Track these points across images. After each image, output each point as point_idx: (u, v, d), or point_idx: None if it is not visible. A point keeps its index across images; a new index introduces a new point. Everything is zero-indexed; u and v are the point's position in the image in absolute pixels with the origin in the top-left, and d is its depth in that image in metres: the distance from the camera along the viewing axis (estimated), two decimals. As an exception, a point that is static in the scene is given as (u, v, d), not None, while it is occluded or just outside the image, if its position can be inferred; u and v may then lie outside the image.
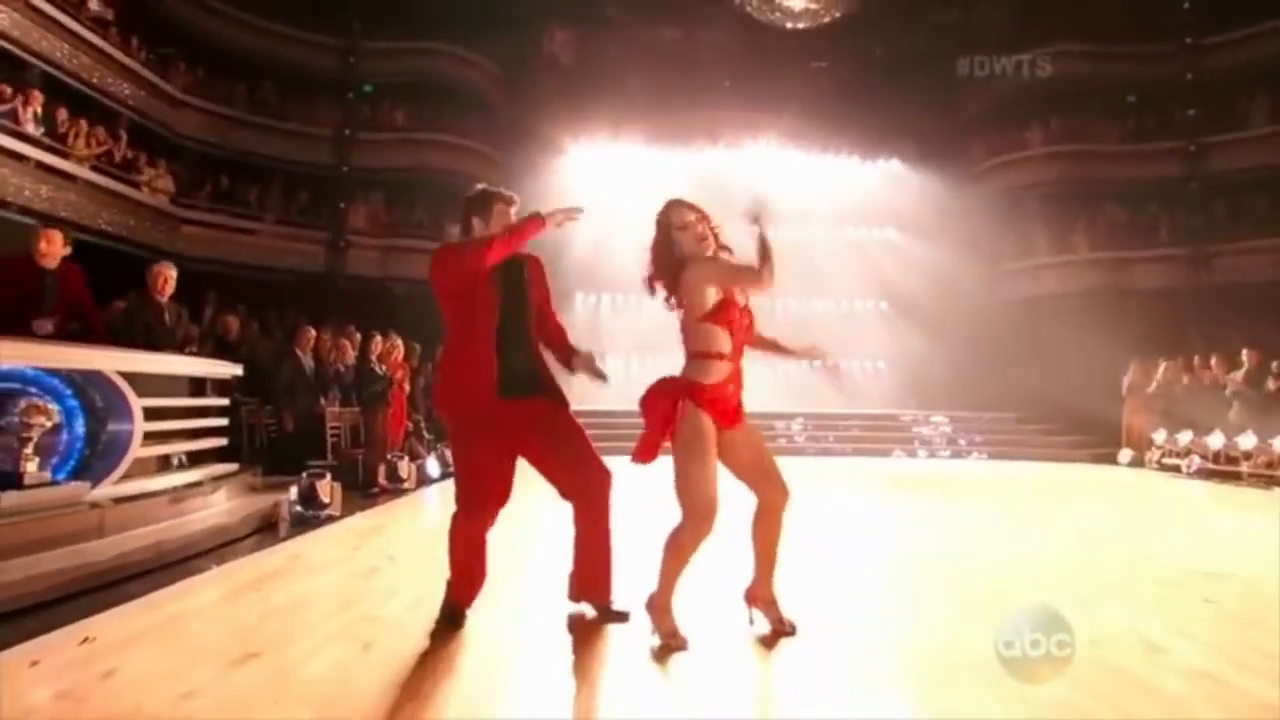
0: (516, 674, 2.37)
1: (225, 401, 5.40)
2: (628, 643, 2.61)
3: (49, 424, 3.65)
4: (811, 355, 2.95)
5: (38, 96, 9.39)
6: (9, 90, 9.10)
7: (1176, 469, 9.43)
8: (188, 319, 5.64)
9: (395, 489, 6.49)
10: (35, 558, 3.13)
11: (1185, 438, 9.44)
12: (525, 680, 2.32)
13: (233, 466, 5.26)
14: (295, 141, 13.66)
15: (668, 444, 2.60)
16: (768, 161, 14.74)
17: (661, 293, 2.69)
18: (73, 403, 3.93)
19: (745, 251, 2.63)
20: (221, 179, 12.99)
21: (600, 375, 2.86)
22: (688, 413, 2.51)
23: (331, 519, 4.93)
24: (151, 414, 4.21)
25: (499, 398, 2.67)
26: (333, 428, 7.09)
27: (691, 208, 2.68)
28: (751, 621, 2.68)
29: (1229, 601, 3.37)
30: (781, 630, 2.68)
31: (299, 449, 6.58)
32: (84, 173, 10.07)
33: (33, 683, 2.17)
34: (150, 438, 4.23)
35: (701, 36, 14.93)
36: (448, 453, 7.80)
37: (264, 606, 3.02)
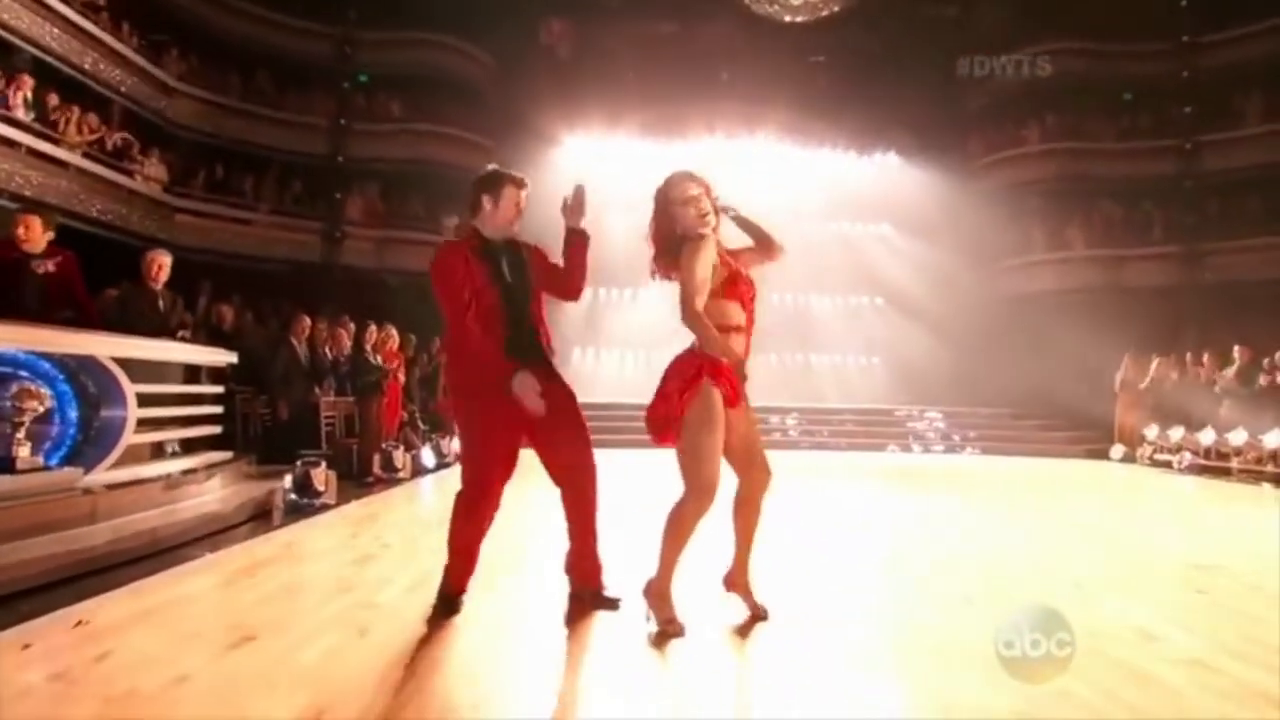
0: (513, 660, 2.36)
1: (220, 389, 5.37)
2: (623, 629, 2.61)
3: (41, 409, 3.61)
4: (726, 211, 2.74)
5: (27, 81, 9.28)
6: (-2, 74, 9.01)
7: (1168, 465, 9.50)
8: (182, 306, 5.60)
9: (390, 479, 6.47)
10: (27, 543, 3.10)
11: (1177, 434, 9.51)
12: (522, 666, 2.31)
13: (227, 454, 5.23)
14: (290, 131, 13.55)
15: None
16: (764, 155, 14.72)
17: (659, 274, 2.68)
18: (65, 388, 3.89)
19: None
20: (216, 168, 12.89)
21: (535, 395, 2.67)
22: (704, 388, 2.49)
23: (326, 507, 4.92)
24: (145, 400, 4.17)
25: (506, 360, 2.64)
26: (327, 417, 7.06)
27: (694, 179, 2.64)
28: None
29: (1221, 593, 3.40)
30: (758, 616, 2.68)
31: (293, 438, 6.56)
32: (76, 159, 9.97)
33: (26, 665, 2.15)
34: (144, 424, 4.20)
35: (699, 29, 14.87)
36: (443, 443, 7.79)
37: (258, 592, 3.01)
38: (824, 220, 14.72)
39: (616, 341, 14.80)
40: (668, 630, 2.52)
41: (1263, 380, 9.05)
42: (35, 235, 4.39)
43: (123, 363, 4.06)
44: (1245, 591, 3.45)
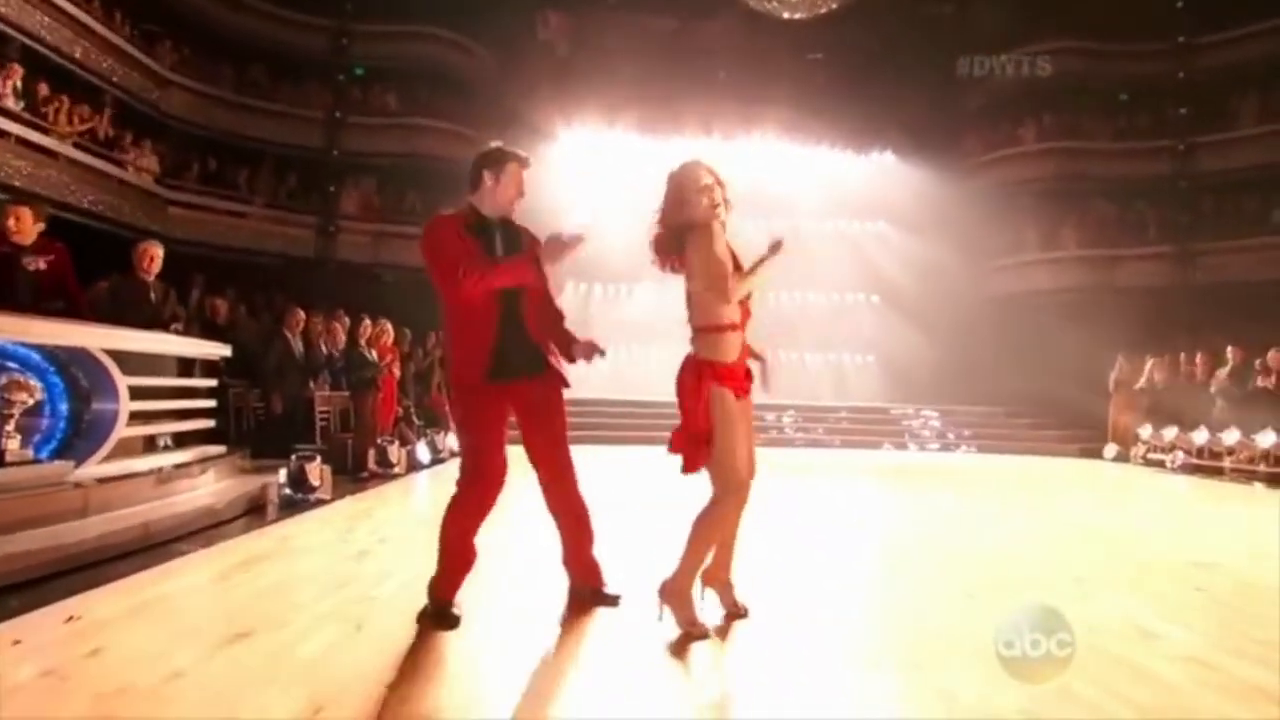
0: (512, 656, 2.34)
1: (213, 383, 5.31)
2: (622, 628, 2.59)
3: (31, 401, 3.57)
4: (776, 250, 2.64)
5: (17, 70, 9.16)
6: (-12, 62, 8.89)
7: (1161, 464, 9.55)
8: (175, 298, 5.54)
9: (385, 474, 6.43)
10: (17, 537, 3.05)
11: (1170, 433, 9.56)
12: (521, 663, 2.29)
13: (220, 448, 5.19)
14: (285, 124, 13.44)
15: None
16: (761, 153, 14.71)
17: (659, 264, 2.63)
18: (56, 380, 3.84)
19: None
20: (209, 160, 12.77)
21: (599, 352, 2.79)
22: (714, 394, 2.47)
23: (321, 502, 4.87)
24: (138, 393, 4.13)
25: (490, 381, 2.60)
26: (322, 412, 7.01)
27: (710, 171, 2.62)
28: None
29: (1218, 590, 3.41)
30: (736, 614, 2.66)
31: (287, 433, 6.50)
32: (66, 150, 9.85)
33: (16, 661, 2.11)
34: (136, 418, 4.15)
35: (697, 25, 14.83)
36: (438, 439, 7.75)
37: (253, 587, 2.97)
38: (820, 218, 14.73)
39: (611, 337, 14.73)
40: (692, 632, 2.46)
41: (1257, 380, 9.10)
42: (26, 227, 4.32)
43: (115, 355, 4.01)
44: (1242, 589, 3.46)
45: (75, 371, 3.94)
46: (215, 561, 3.40)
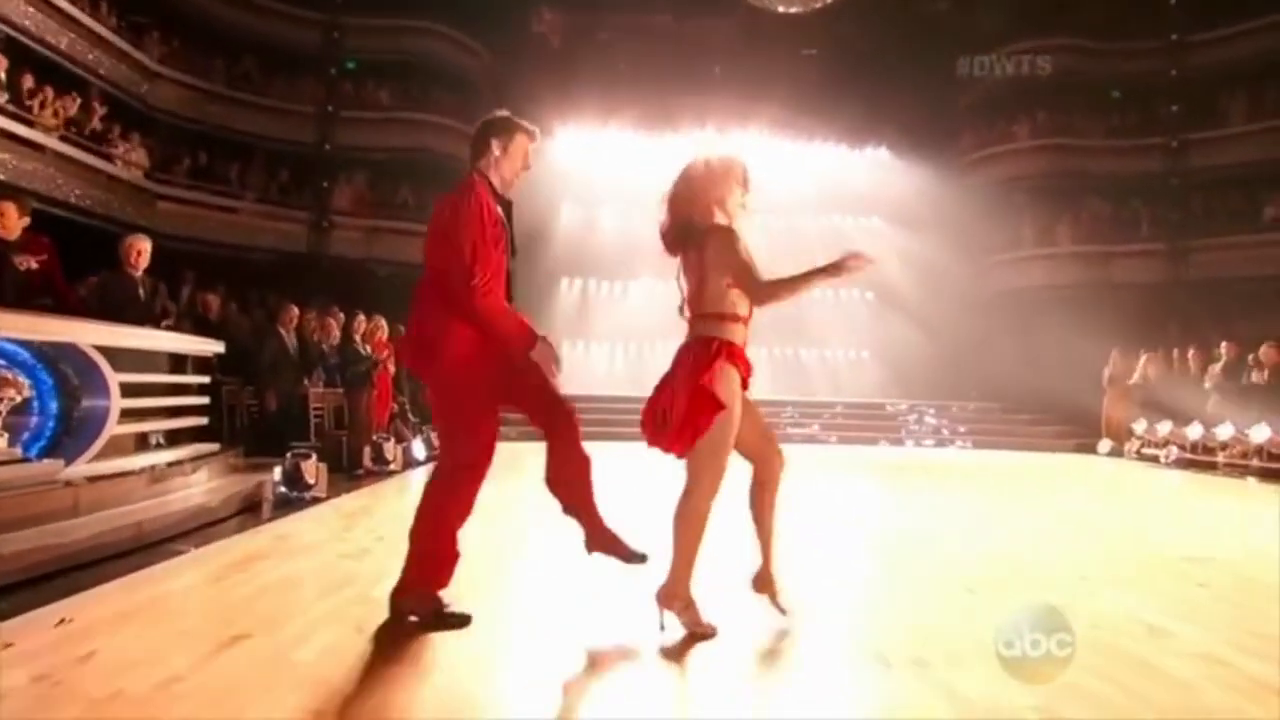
0: (516, 657, 2.30)
1: (206, 379, 5.24)
2: (625, 627, 2.55)
3: (19, 398, 3.50)
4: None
5: (1, 61, 9.00)
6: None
7: (1155, 459, 9.60)
8: (165, 293, 5.46)
9: (381, 471, 6.38)
10: (6, 537, 2.98)
11: (1165, 428, 9.60)
12: (525, 664, 2.25)
13: (214, 446, 5.12)
14: (276, 118, 13.30)
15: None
16: (756, 149, 14.67)
17: (670, 251, 2.57)
18: (45, 377, 3.76)
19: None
20: (200, 155, 12.63)
21: (555, 364, 2.54)
22: (723, 370, 2.41)
23: (317, 500, 4.82)
24: (129, 390, 4.05)
25: (527, 326, 2.51)
26: (316, 409, 6.94)
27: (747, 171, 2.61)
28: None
29: (1221, 586, 3.41)
30: (782, 612, 2.62)
31: (281, 430, 6.44)
32: (52, 143, 9.71)
33: (6, 666, 2.05)
34: (128, 415, 4.08)
35: (693, 21, 14.77)
36: (434, 435, 7.69)
37: (250, 588, 2.92)
38: (814, 214, 14.72)
39: (607, 334, 14.73)
40: (699, 632, 2.41)
41: (1249, 375, 9.15)
42: (11, 222, 4.24)
43: (105, 351, 3.94)
44: (1243, 585, 3.46)
45: (65, 368, 3.86)
46: (210, 562, 3.34)
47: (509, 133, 2.59)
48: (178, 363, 4.93)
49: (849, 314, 15.26)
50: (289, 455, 4.92)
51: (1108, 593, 3.21)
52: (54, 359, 3.82)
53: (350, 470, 6.31)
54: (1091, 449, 10.90)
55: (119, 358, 4.02)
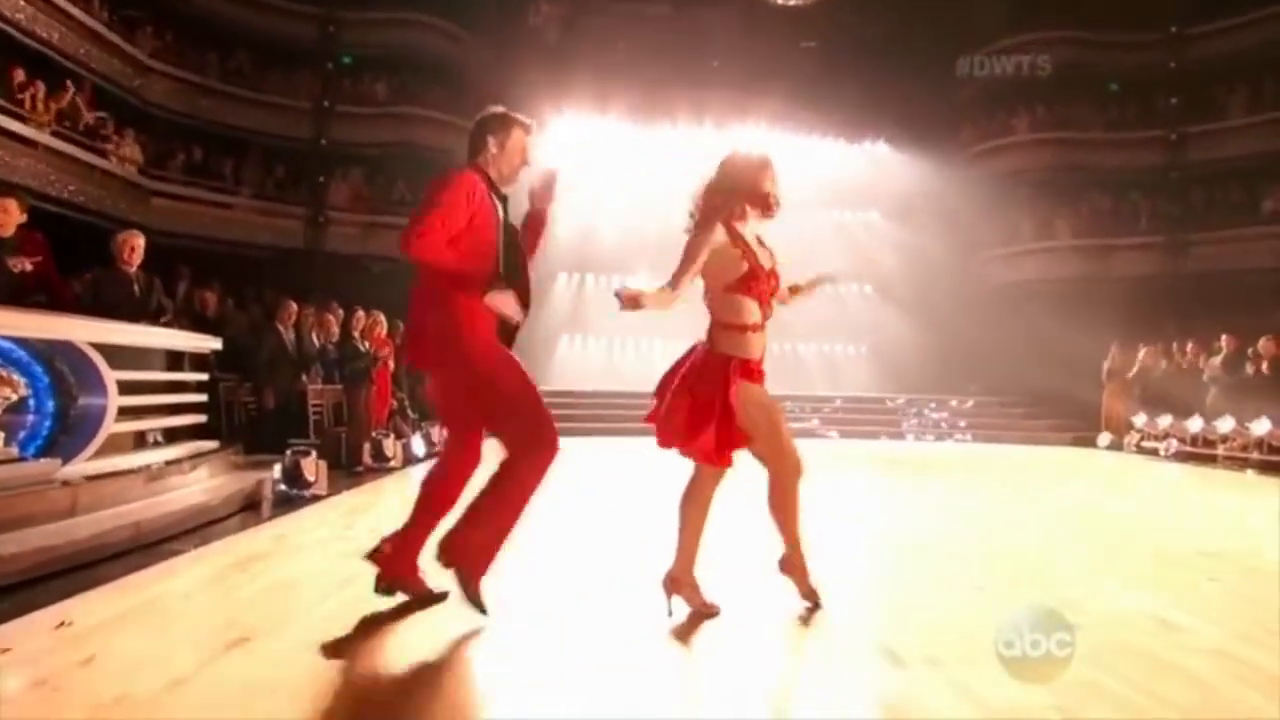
0: (526, 656, 2.26)
1: (204, 376, 5.19)
2: (637, 626, 2.52)
3: (14, 397, 3.44)
4: (821, 282, 2.90)
5: (-9, 56, 8.91)
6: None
7: (1154, 452, 9.61)
8: (161, 288, 5.39)
9: (380, 468, 6.33)
10: (3, 538, 2.94)
11: (1165, 421, 9.61)
12: (535, 663, 2.22)
13: (212, 444, 5.06)
14: (271, 113, 13.19)
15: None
16: (754, 142, 14.59)
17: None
18: (41, 374, 3.70)
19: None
20: (194, 150, 12.51)
21: (513, 310, 2.50)
22: (746, 391, 2.43)
23: (317, 498, 4.78)
24: (126, 388, 4.00)
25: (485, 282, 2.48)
26: (315, 405, 6.88)
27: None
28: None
29: (1232, 580, 3.39)
30: (814, 604, 2.64)
31: (279, 427, 6.38)
32: (45, 138, 9.60)
33: (5, 670, 2.01)
34: (125, 413, 4.03)
35: (690, 13, 14.68)
36: (432, 431, 7.64)
37: (252, 588, 2.88)
38: (813, 208, 14.65)
39: (604, 329, 14.69)
40: (707, 612, 2.52)
41: (1249, 368, 9.16)
42: (13, 220, 4.19)
43: (101, 348, 3.88)
44: (1256, 579, 3.44)
45: (61, 366, 3.81)
46: (211, 561, 3.30)
47: (505, 128, 2.56)
48: (175, 360, 4.87)
49: (847, 308, 15.23)
50: (288, 453, 4.87)
51: (1118, 588, 3.19)
52: (50, 357, 3.77)
53: (350, 467, 6.27)
54: (1090, 442, 10.90)
55: (116, 355, 3.97)
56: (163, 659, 2.10)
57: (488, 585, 2.53)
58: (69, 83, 10.13)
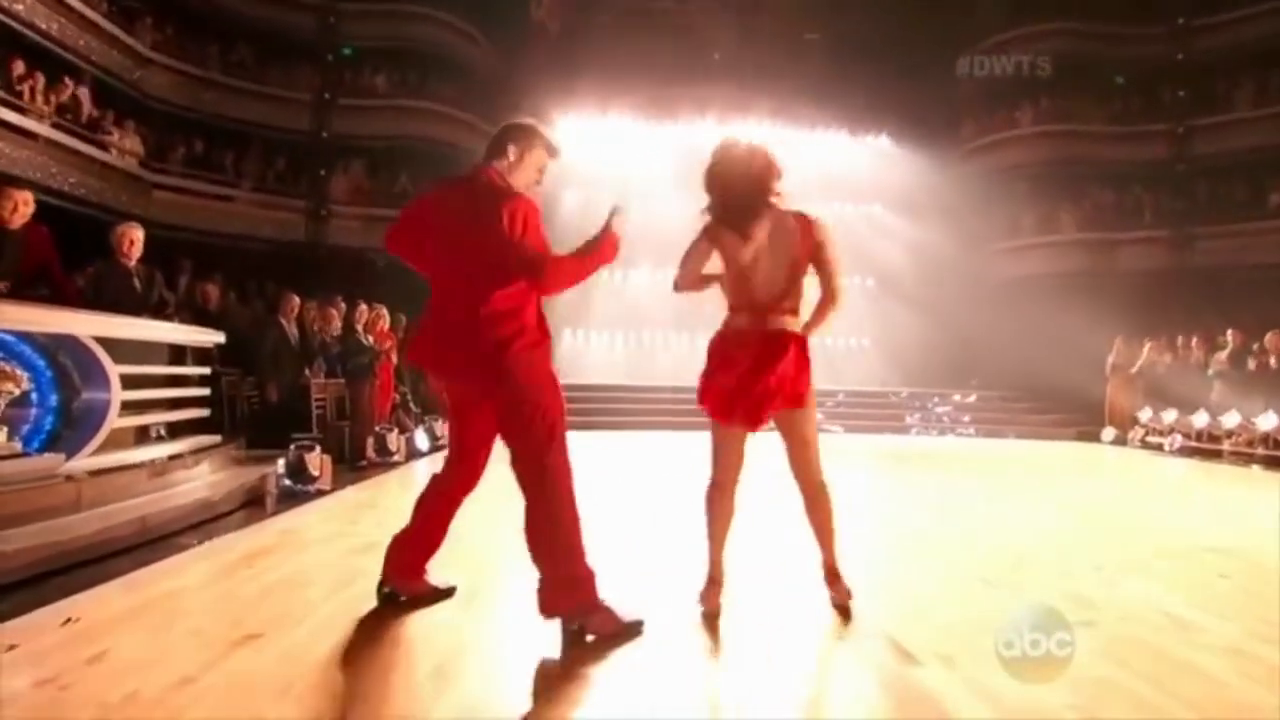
0: (538, 653, 2.24)
1: (207, 370, 5.16)
2: (650, 619, 2.49)
3: (18, 391, 3.42)
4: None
5: (-9, 48, 8.86)
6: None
7: (1159, 447, 9.58)
8: (162, 281, 5.36)
9: (384, 463, 6.31)
10: (8, 534, 2.92)
11: (1170, 416, 9.58)
12: (547, 659, 2.20)
13: (215, 438, 5.04)
14: (272, 105, 13.13)
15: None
16: (757, 136, 14.51)
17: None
18: (44, 369, 3.68)
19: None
20: (195, 143, 12.47)
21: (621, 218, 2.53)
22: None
23: (321, 493, 4.76)
24: (129, 382, 3.98)
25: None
26: (318, 400, 6.85)
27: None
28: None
29: (1243, 577, 3.37)
30: (842, 607, 2.64)
31: (282, 422, 6.35)
32: (45, 130, 9.55)
33: (12, 668, 1.99)
34: (128, 407, 4.00)
35: (692, 6, 14.59)
36: (436, 425, 7.63)
37: (259, 584, 2.85)
38: (815, 202, 14.52)
39: (607, 324, 14.65)
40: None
41: (1254, 363, 9.12)
42: (27, 211, 4.17)
43: (105, 342, 3.86)
44: (1264, 575, 3.42)
45: (64, 360, 3.79)
46: (217, 557, 3.28)
47: (528, 142, 2.52)
48: (177, 354, 4.85)
49: (849, 302, 15.17)
50: (292, 447, 4.85)
51: (1130, 585, 3.17)
52: (53, 351, 3.74)
53: (353, 462, 6.25)
54: (1093, 437, 10.88)
55: (118, 349, 3.95)
56: (171, 657, 2.09)
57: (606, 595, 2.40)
58: (68, 80, 10.07)
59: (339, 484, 5.10)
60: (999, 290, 14.14)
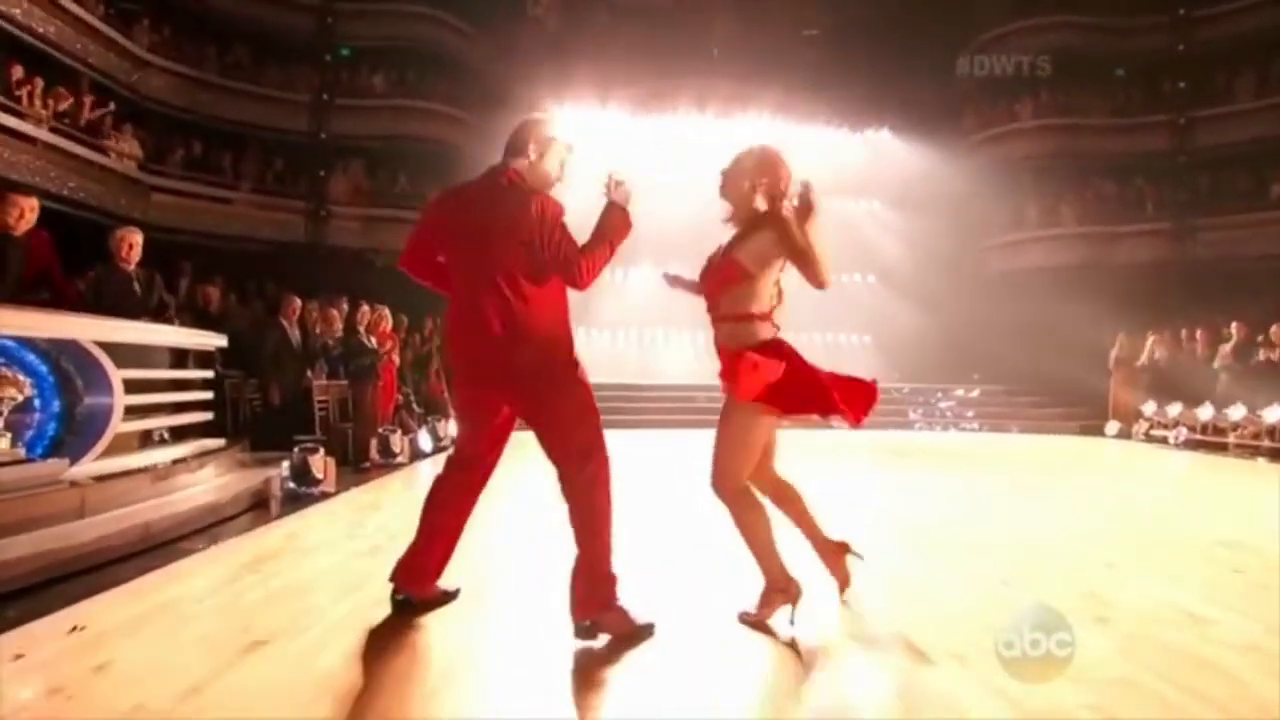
0: (548, 657, 2.22)
1: (209, 374, 5.14)
2: (654, 619, 2.47)
3: (20, 397, 3.39)
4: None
5: (-12, 52, 8.82)
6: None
7: (1164, 440, 9.56)
8: (161, 285, 5.33)
9: (388, 464, 6.29)
10: (12, 540, 2.89)
11: (1175, 409, 9.55)
12: (557, 663, 2.17)
13: (219, 442, 5.02)
14: (270, 106, 13.09)
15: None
16: (756, 131, 14.48)
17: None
18: (47, 374, 3.65)
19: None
20: (193, 145, 12.43)
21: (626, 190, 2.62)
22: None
23: (326, 495, 4.74)
24: (132, 386, 3.95)
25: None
26: (320, 401, 6.82)
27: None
28: (792, 622, 2.47)
29: (1257, 572, 3.34)
30: (842, 584, 2.68)
31: (286, 424, 6.33)
32: (43, 134, 9.52)
33: (19, 677, 1.97)
34: (131, 412, 3.98)
35: (692, 1, 14.52)
36: (439, 426, 7.60)
37: (265, 590, 2.83)
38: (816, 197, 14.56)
39: (608, 322, 14.62)
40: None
41: (1260, 355, 9.09)
42: (32, 218, 4.15)
43: (106, 347, 3.83)
44: (1278, 570, 3.39)
45: (66, 365, 3.76)
46: (222, 562, 3.26)
47: (550, 145, 2.52)
48: (180, 357, 4.82)
49: (850, 297, 15.14)
50: (296, 450, 4.83)
51: (1144, 581, 3.15)
52: (55, 356, 3.72)
53: (356, 463, 6.23)
54: (1097, 431, 10.85)
55: (120, 353, 3.92)
56: (178, 665, 2.06)
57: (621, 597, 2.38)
58: (63, 90, 10.02)
59: (343, 486, 5.08)
60: (1001, 283, 14.10)
